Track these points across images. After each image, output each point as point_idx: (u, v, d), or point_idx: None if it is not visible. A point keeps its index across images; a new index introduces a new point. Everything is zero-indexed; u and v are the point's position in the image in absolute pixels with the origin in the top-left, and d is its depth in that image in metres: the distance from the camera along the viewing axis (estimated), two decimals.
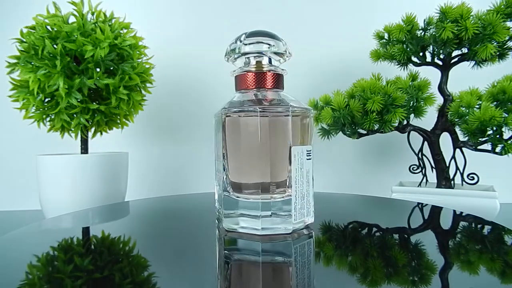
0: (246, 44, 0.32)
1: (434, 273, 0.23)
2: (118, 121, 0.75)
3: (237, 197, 0.30)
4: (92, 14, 0.68)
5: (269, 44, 0.32)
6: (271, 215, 0.29)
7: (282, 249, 0.27)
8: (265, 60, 0.32)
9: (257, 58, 0.32)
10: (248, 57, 0.32)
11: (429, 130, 0.71)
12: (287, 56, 0.33)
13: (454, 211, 0.40)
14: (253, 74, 0.32)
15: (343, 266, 0.24)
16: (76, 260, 0.25)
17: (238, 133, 0.30)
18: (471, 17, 0.62)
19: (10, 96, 0.66)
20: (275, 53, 0.32)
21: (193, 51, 0.96)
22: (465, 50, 0.65)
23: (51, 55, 0.62)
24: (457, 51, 0.66)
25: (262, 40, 0.31)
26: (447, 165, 0.69)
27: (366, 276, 0.22)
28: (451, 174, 0.69)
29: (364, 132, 0.70)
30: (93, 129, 0.74)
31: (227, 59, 0.34)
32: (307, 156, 0.30)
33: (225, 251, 0.27)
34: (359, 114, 0.66)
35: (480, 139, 0.61)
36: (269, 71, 0.32)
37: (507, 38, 0.61)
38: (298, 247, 0.27)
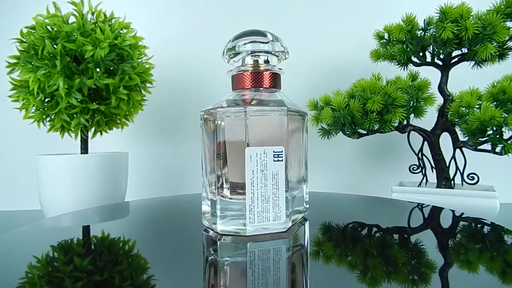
0: (243, 44, 0.32)
1: (434, 272, 0.22)
2: (118, 121, 0.75)
3: (213, 197, 0.31)
4: (92, 14, 0.68)
5: (266, 44, 0.32)
6: (228, 216, 0.30)
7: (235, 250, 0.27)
8: (261, 60, 0.32)
9: (253, 58, 0.32)
10: (244, 57, 0.32)
11: (429, 130, 0.71)
12: (284, 56, 0.33)
13: (453, 212, 0.40)
14: (248, 73, 0.32)
15: (342, 265, 0.24)
16: (76, 260, 0.25)
17: (207, 135, 0.31)
18: (471, 17, 0.62)
19: (10, 96, 0.66)
20: (272, 52, 0.32)
21: (193, 51, 0.96)
22: (465, 50, 0.65)
23: (51, 55, 0.62)
24: (457, 51, 0.66)
25: (259, 39, 0.32)
26: (447, 165, 0.69)
27: (365, 274, 0.22)
28: (451, 174, 0.69)
29: (364, 132, 0.70)
30: (93, 129, 0.74)
31: (224, 59, 0.34)
32: (276, 157, 0.29)
33: (209, 251, 0.27)
34: (359, 114, 0.66)
35: (480, 139, 0.61)
36: (265, 70, 0.32)
37: (507, 38, 0.61)
38: (254, 251, 0.27)
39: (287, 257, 0.25)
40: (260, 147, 0.29)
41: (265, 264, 0.24)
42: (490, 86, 0.64)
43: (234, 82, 0.33)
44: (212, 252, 0.27)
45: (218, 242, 0.29)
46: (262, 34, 0.32)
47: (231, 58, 0.33)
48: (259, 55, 0.32)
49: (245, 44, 0.31)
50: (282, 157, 0.29)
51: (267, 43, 0.32)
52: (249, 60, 0.32)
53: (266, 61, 0.32)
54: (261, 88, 0.32)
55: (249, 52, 0.32)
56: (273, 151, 0.29)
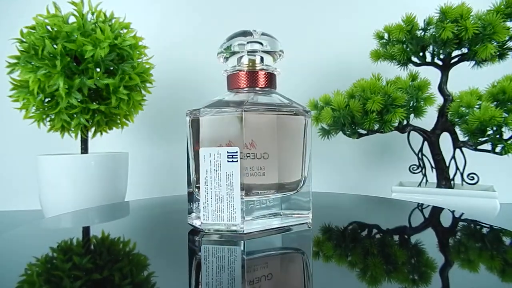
0: (237, 43, 0.32)
1: (434, 271, 0.22)
2: (118, 121, 0.75)
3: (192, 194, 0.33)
4: (92, 14, 0.68)
5: (261, 43, 0.32)
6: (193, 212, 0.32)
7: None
8: (257, 59, 0.32)
9: (248, 57, 0.32)
10: (239, 57, 0.32)
11: (429, 130, 0.71)
12: (279, 56, 0.33)
13: (453, 213, 0.40)
14: (242, 73, 0.32)
15: (342, 264, 0.24)
16: (75, 259, 0.25)
17: (190, 134, 0.33)
18: (471, 17, 0.62)
19: (10, 96, 0.66)
20: (267, 52, 0.32)
21: (195, 51, 0.96)
22: (465, 50, 0.65)
23: (51, 55, 0.62)
24: (457, 51, 0.66)
25: (253, 39, 0.32)
26: (447, 165, 0.69)
27: (365, 274, 0.22)
28: (451, 174, 0.69)
29: (364, 132, 0.70)
30: (93, 129, 0.74)
31: (219, 59, 0.34)
32: (230, 158, 0.29)
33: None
34: (359, 114, 0.66)
35: (480, 139, 0.61)
36: (260, 70, 0.32)
37: (507, 38, 0.61)
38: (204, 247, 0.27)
39: (207, 258, 0.25)
40: (213, 147, 0.29)
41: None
42: (490, 86, 0.64)
43: (228, 82, 0.33)
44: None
45: (188, 238, 0.31)
46: (256, 33, 0.32)
47: (226, 58, 0.33)
48: (253, 55, 0.32)
49: (239, 44, 0.32)
50: (236, 158, 0.28)
51: (261, 43, 0.32)
52: (244, 60, 0.32)
53: (262, 61, 0.32)
54: (256, 88, 0.32)
55: (244, 52, 0.32)
56: (227, 152, 0.28)
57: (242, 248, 0.27)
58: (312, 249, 0.28)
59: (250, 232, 0.30)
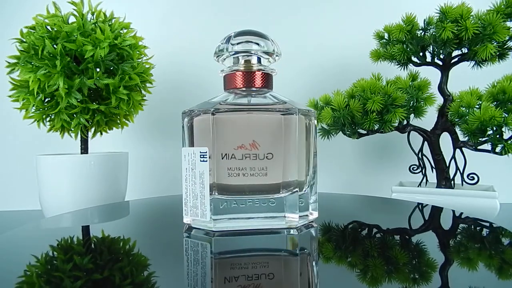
0: (235, 44, 0.32)
1: (435, 270, 0.22)
2: (118, 121, 0.75)
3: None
4: (92, 14, 0.68)
5: (258, 44, 0.32)
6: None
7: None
8: (252, 60, 0.32)
9: (245, 58, 0.32)
10: (236, 57, 0.33)
11: (429, 130, 0.71)
12: (276, 56, 0.33)
13: (453, 212, 0.40)
14: (238, 74, 0.32)
15: (342, 264, 0.24)
16: (76, 259, 0.25)
17: (183, 134, 0.34)
18: (471, 17, 0.62)
19: (10, 96, 0.66)
20: (264, 52, 0.32)
21: (195, 52, 0.96)
22: (465, 50, 0.65)
23: (51, 55, 0.62)
24: (457, 51, 0.66)
25: (251, 39, 0.32)
26: (447, 165, 0.69)
27: (365, 274, 0.22)
28: (451, 174, 0.69)
29: (364, 132, 0.70)
30: (93, 129, 0.74)
31: (217, 58, 0.34)
32: (201, 158, 0.30)
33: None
34: (359, 114, 0.66)
35: (480, 139, 0.61)
36: (256, 71, 0.32)
37: (507, 38, 0.61)
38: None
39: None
40: (191, 147, 0.30)
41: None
42: (490, 86, 0.64)
43: (224, 82, 0.34)
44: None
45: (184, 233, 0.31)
46: (254, 34, 0.32)
47: (223, 58, 0.34)
48: (250, 55, 0.32)
49: (236, 44, 0.32)
50: (206, 158, 0.29)
51: (259, 43, 0.32)
52: (239, 60, 0.32)
53: (259, 61, 0.33)
54: (252, 88, 0.32)
55: (239, 52, 0.32)
56: (200, 152, 0.30)
57: (210, 246, 0.28)
58: (299, 251, 0.28)
59: (222, 231, 0.30)
